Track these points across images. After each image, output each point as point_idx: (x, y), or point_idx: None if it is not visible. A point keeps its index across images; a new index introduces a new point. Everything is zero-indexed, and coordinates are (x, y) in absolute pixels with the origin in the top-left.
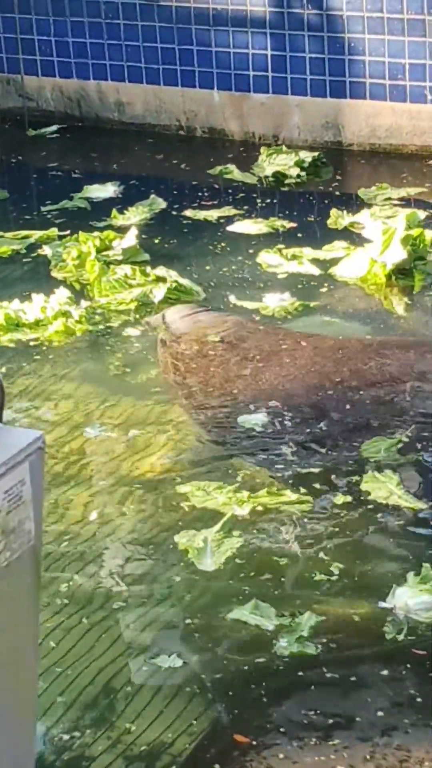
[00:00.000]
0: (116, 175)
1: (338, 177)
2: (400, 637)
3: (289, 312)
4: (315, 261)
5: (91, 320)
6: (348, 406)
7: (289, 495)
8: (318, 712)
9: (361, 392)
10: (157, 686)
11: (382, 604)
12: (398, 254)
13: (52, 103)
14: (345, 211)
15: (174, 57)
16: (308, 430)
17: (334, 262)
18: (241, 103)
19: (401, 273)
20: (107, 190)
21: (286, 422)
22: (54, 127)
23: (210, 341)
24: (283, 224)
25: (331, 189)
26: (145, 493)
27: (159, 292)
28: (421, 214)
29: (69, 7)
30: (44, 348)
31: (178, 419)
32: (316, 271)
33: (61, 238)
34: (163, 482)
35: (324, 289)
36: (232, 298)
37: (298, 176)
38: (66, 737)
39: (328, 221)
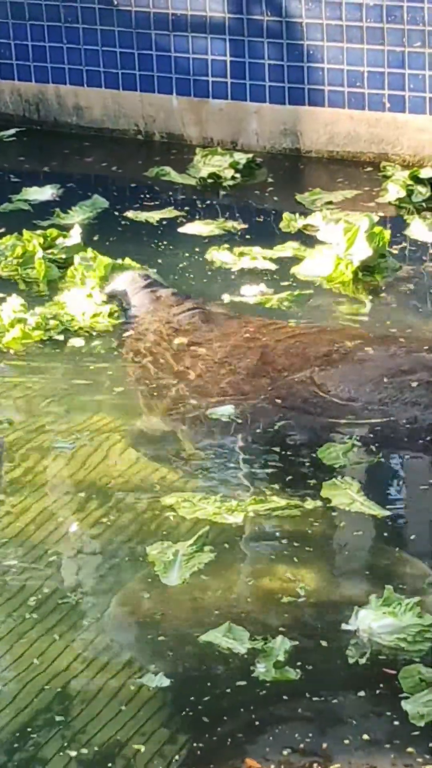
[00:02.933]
0: (57, 178)
1: (270, 179)
2: (363, 661)
3: (290, 301)
4: (267, 259)
5: (47, 326)
6: (299, 400)
7: (278, 501)
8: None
9: (310, 387)
10: (114, 690)
11: (345, 627)
12: (364, 251)
13: (10, 106)
14: (297, 214)
15: (133, 62)
16: (265, 430)
17: (287, 260)
18: (199, 108)
19: (365, 270)
20: (45, 193)
21: (246, 418)
22: (12, 131)
23: (177, 344)
24: (234, 225)
25: (267, 194)
26: (130, 503)
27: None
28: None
29: (28, 10)
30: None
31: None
32: (271, 266)
33: (0, 236)
34: (145, 492)
35: (286, 283)
36: (206, 292)
37: (233, 178)
38: (18, 738)
39: (281, 224)
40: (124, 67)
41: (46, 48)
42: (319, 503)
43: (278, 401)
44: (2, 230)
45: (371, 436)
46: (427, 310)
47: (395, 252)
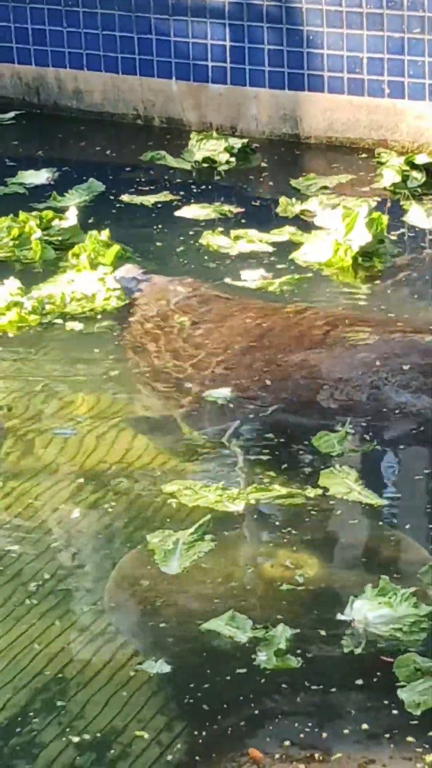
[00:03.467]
0: (54, 162)
1: (264, 164)
2: (359, 651)
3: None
4: (264, 243)
5: (43, 310)
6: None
7: (279, 489)
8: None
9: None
10: (107, 673)
11: (340, 617)
12: (364, 237)
13: (10, 89)
14: (294, 199)
15: (133, 46)
16: (259, 414)
17: (284, 245)
18: (199, 93)
19: (364, 256)
20: (40, 177)
21: (241, 401)
22: (11, 114)
23: (177, 321)
24: (230, 209)
25: (262, 178)
26: (130, 489)
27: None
28: (372, 203)
29: None
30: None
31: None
32: (268, 249)
33: None
34: (145, 478)
35: (284, 267)
36: (204, 275)
37: (228, 162)
38: (15, 723)
39: (278, 209)
40: (123, 51)
41: (47, 31)
42: (319, 491)
43: (272, 384)
44: None
45: (361, 419)
46: (426, 295)
47: (393, 238)
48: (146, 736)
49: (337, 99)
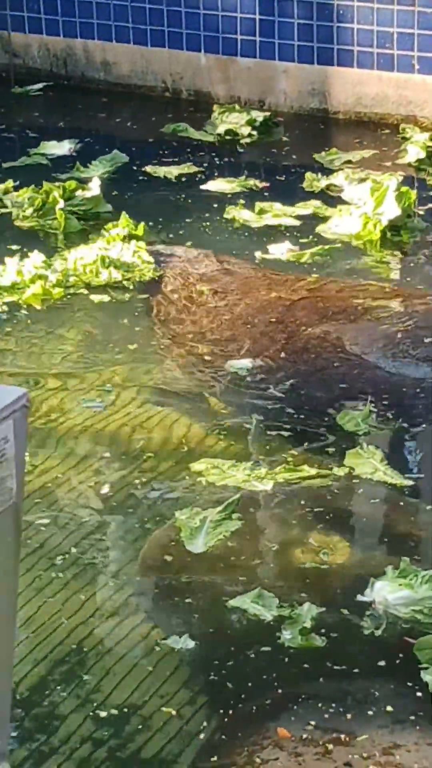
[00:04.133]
0: (77, 133)
1: (285, 138)
2: (379, 633)
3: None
4: (290, 217)
5: (67, 283)
6: (317, 362)
7: (308, 470)
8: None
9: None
10: (129, 647)
11: (360, 598)
12: (393, 210)
13: (38, 60)
14: (320, 174)
15: (162, 18)
16: (279, 386)
17: (309, 218)
18: (227, 66)
19: (393, 230)
20: (63, 148)
21: (262, 372)
22: (40, 85)
23: (201, 293)
24: (256, 183)
25: (284, 152)
26: (155, 468)
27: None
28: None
29: None
30: (24, 311)
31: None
32: (294, 222)
33: (17, 188)
34: (172, 456)
35: (309, 241)
36: (230, 249)
37: (250, 135)
38: (35, 694)
39: (304, 183)
40: (152, 24)
41: (75, 3)
42: (347, 471)
43: (293, 355)
44: (17, 183)
45: (382, 392)
46: None
47: (421, 213)
48: (173, 712)
49: (366, 74)
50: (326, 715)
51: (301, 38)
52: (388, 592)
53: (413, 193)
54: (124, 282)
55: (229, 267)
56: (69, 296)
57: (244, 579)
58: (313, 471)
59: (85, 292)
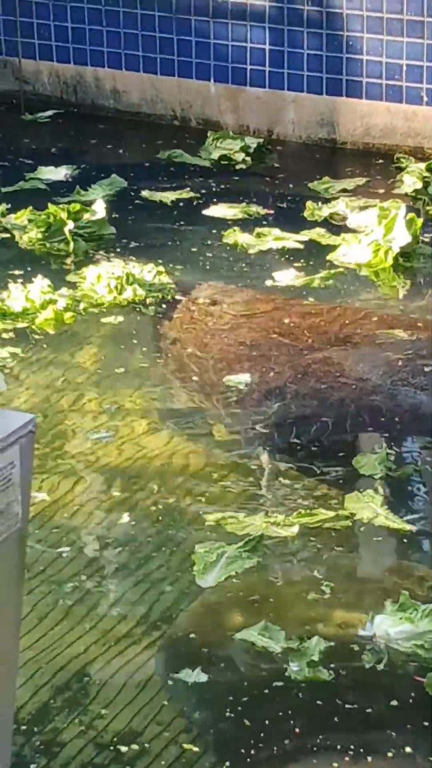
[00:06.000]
0: (76, 159)
1: (276, 165)
2: (381, 667)
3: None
4: (294, 241)
5: (77, 306)
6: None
7: (324, 512)
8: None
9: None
10: (130, 674)
11: (361, 632)
12: (404, 237)
13: (48, 87)
14: (319, 203)
15: (172, 47)
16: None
17: (314, 245)
18: (236, 96)
19: (403, 256)
20: (59, 173)
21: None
22: (49, 113)
23: (200, 303)
24: (258, 210)
25: (278, 180)
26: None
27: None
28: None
29: None
30: (34, 336)
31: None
32: (298, 244)
33: (10, 212)
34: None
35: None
36: (239, 278)
37: (244, 161)
38: (36, 722)
39: (305, 213)
40: (162, 52)
41: (86, 30)
42: (366, 515)
43: (294, 379)
44: (9, 207)
45: (377, 418)
46: None
47: (426, 240)
48: (195, 749)
49: (374, 105)
50: (347, 758)
51: (310, 69)
52: (389, 626)
53: (420, 220)
54: (148, 299)
55: (238, 291)
56: (80, 320)
57: (247, 612)
58: (331, 513)
59: (96, 313)
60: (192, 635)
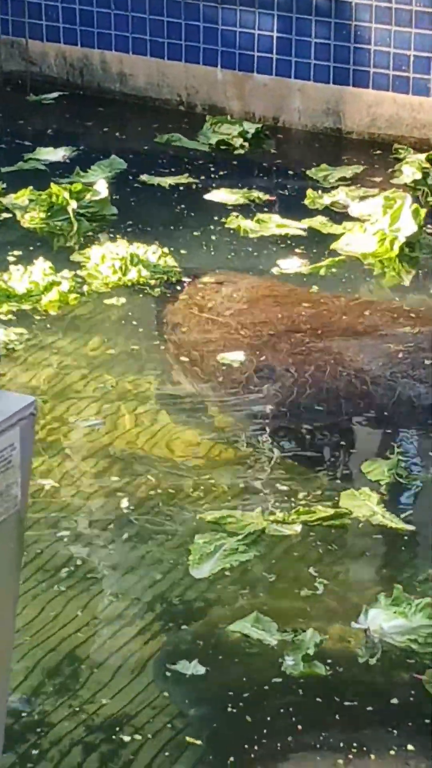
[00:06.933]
0: (77, 140)
1: (273, 151)
2: (374, 661)
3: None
4: (296, 228)
5: (78, 289)
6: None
7: (325, 510)
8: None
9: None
10: (123, 658)
11: (355, 626)
12: (410, 227)
13: (55, 69)
14: (319, 191)
15: (180, 32)
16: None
17: (314, 230)
18: (243, 82)
19: (407, 246)
20: (57, 154)
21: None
22: (55, 94)
23: (206, 282)
24: (259, 196)
25: (276, 165)
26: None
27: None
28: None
29: None
30: (44, 318)
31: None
32: (300, 231)
33: (6, 191)
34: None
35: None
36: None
37: (242, 146)
38: (25, 703)
39: (306, 201)
40: (170, 37)
41: (94, 13)
42: (363, 513)
43: (294, 367)
44: (5, 186)
45: (375, 408)
46: None
47: (429, 231)
48: (199, 742)
49: (381, 95)
50: (350, 756)
51: (317, 57)
52: (383, 621)
53: (423, 211)
54: (152, 281)
55: (236, 278)
56: (83, 302)
57: (241, 604)
58: (331, 511)
59: (100, 293)
60: (184, 626)
